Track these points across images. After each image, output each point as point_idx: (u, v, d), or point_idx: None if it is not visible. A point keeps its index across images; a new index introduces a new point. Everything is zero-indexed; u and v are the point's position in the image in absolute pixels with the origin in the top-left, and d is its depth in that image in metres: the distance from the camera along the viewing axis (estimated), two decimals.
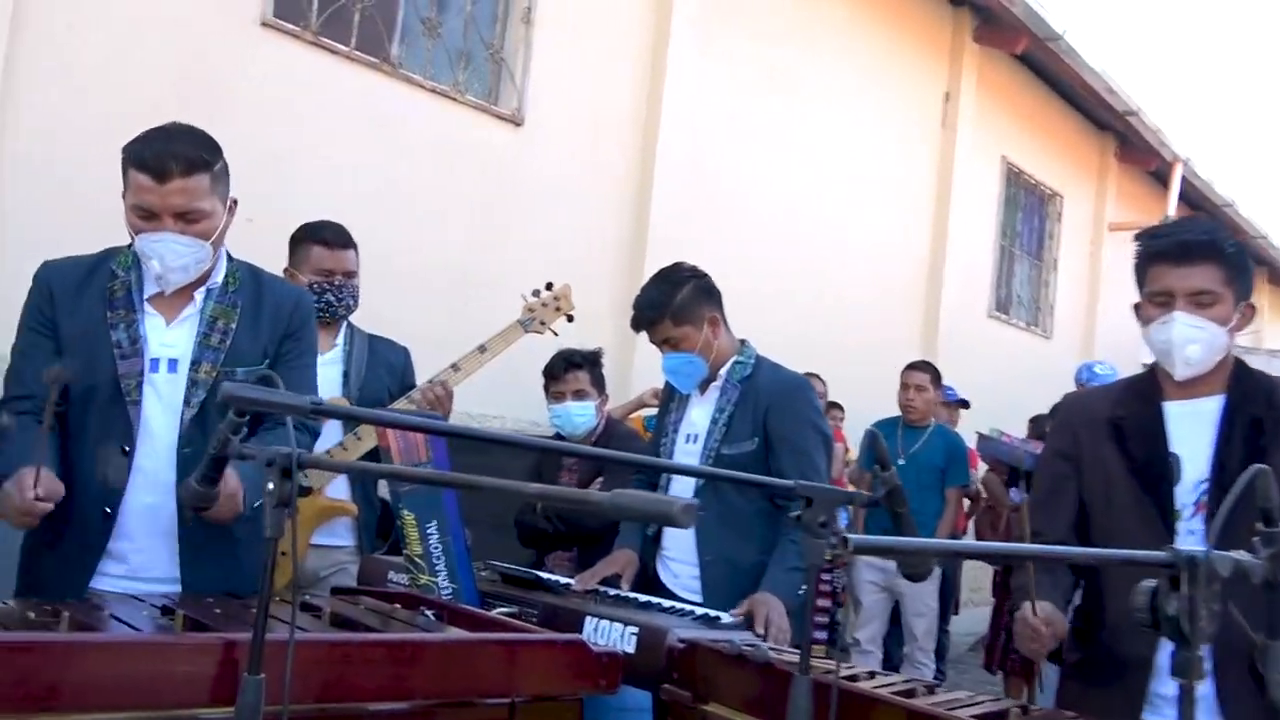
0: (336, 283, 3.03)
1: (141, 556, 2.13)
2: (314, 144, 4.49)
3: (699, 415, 2.82)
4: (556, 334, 3.31)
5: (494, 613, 2.27)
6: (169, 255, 2.10)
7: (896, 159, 8.21)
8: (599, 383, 3.59)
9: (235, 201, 2.23)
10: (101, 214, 3.62)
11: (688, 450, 2.79)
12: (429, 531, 2.40)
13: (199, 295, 2.21)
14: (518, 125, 5.47)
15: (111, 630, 1.64)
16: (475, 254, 5.21)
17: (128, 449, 2.10)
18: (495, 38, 5.48)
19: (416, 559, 2.42)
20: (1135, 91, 9.88)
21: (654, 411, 4.93)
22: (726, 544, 2.66)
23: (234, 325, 2.21)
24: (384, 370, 3.08)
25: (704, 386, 2.84)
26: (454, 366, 3.14)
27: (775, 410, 2.72)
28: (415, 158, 4.99)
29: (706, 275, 2.85)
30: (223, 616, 1.80)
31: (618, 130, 5.95)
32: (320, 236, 3.09)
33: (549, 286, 3.29)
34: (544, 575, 2.65)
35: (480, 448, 3.85)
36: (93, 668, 1.37)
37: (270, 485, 1.35)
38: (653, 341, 2.84)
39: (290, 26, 4.55)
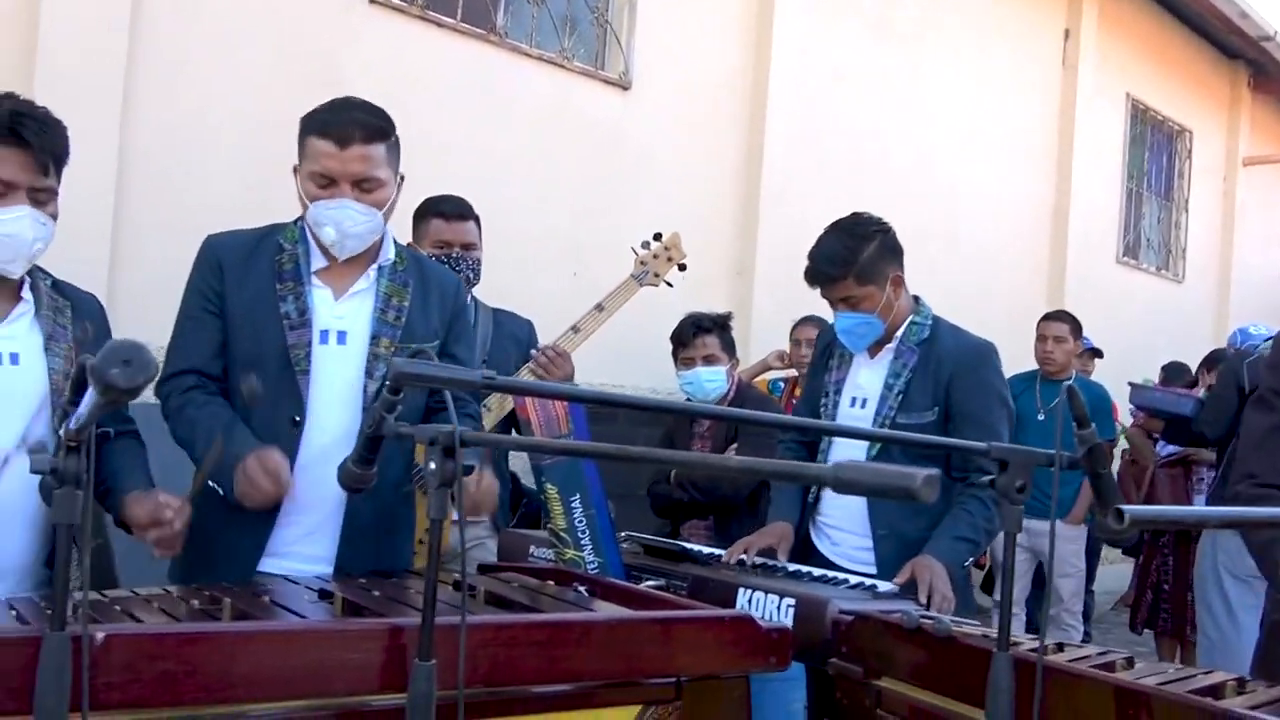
0: (455, 255, 3.01)
1: (307, 533, 2.13)
2: (424, 119, 4.45)
3: (868, 379, 2.66)
4: (671, 284, 3.23)
5: (642, 586, 2.21)
6: (346, 221, 2.10)
7: (1016, 103, 7.86)
8: (729, 347, 3.50)
9: (403, 177, 2.22)
10: (219, 200, 3.72)
11: (855, 416, 2.64)
12: (573, 505, 2.34)
13: (371, 271, 2.20)
14: (625, 89, 5.37)
15: (276, 617, 1.61)
16: (587, 220, 5.15)
17: (298, 419, 2.10)
18: (599, 2, 5.38)
19: (561, 533, 2.36)
20: (1270, 15, 9.26)
21: (779, 374, 4.83)
22: (900, 517, 2.53)
23: (407, 304, 2.21)
24: (510, 343, 3.05)
25: (874, 348, 2.69)
26: (574, 328, 3.10)
27: (959, 379, 2.55)
28: (524, 127, 4.94)
29: (891, 229, 2.66)
30: (381, 599, 1.76)
31: (726, 88, 5.80)
32: (439, 209, 3.07)
33: (658, 237, 3.21)
34: (690, 546, 2.57)
35: (605, 417, 3.80)
36: (263, 658, 1.33)
37: (433, 465, 1.30)
38: (826, 298, 2.67)
39: (397, 2, 4.52)
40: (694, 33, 5.63)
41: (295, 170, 2.19)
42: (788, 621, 2.01)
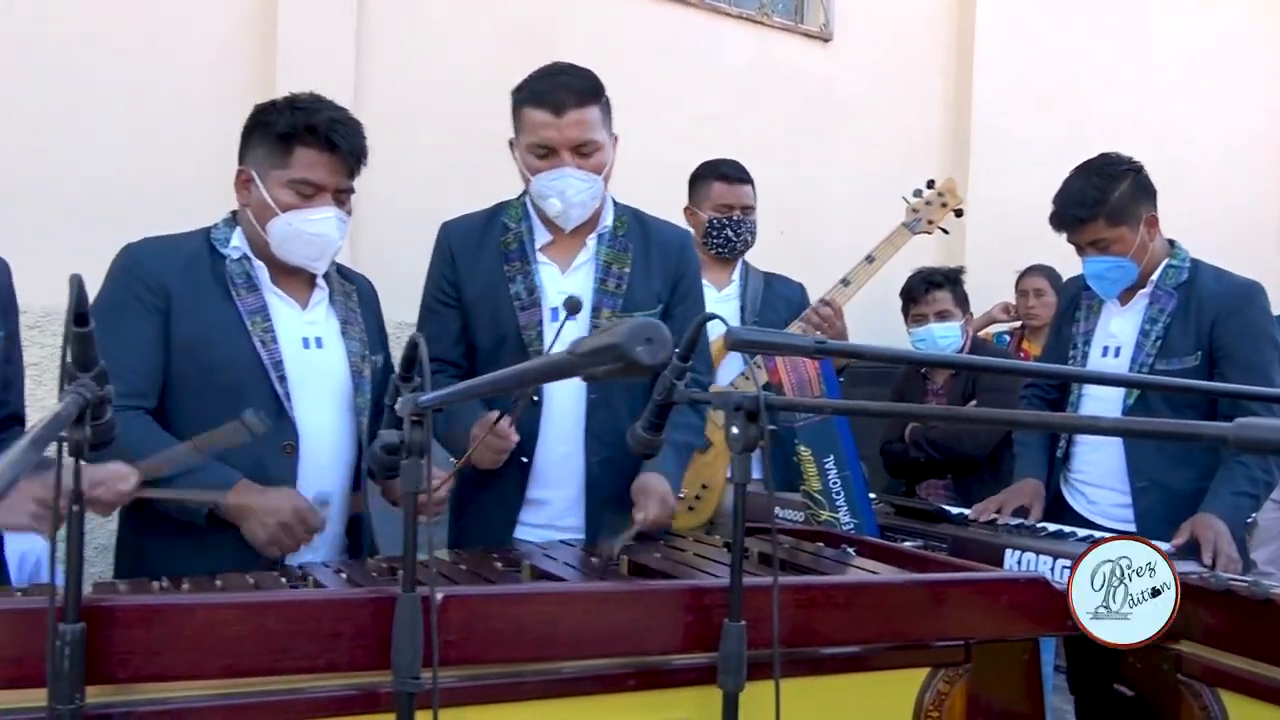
0: (735, 218, 3.03)
1: (556, 504, 2.19)
2: (633, 84, 4.48)
3: (1121, 326, 2.55)
4: (947, 231, 3.15)
5: (902, 546, 2.18)
6: (569, 190, 2.12)
7: (1244, 29, 7.25)
8: (962, 301, 3.40)
9: (617, 138, 2.23)
10: (455, 180, 3.84)
11: (1107, 365, 2.53)
12: (827, 466, 2.33)
13: (590, 241, 2.22)
14: (826, 41, 5.26)
15: (569, 578, 1.68)
16: (794, 175, 5.08)
17: (536, 398, 2.16)
18: None
19: (815, 494, 2.36)
20: None
21: (1004, 327, 4.66)
22: (1161, 468, 2.41)
23: (627, 270, 2.20)
24: (781, 305, 3.05)
25: (1126, 294, 2.57)
26: (844, 281, 3.07)
27: (1223, 321, 2.42)
28: (728, 86, 4.91)
29: (1143, 168, 2.53)
30: (663, 560, 1.80)
31: (930, 31, 5.59)
32: (720, 172, 3.11)
33: (930, 184, 3.14)
34: (945, 507, 2.53)
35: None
36: (580, 618, 1.39)
37: (735, 430, 1.32)
38: (1074, 242, 2.56)
39: None
40: None
41: (511, 144, 2.21)
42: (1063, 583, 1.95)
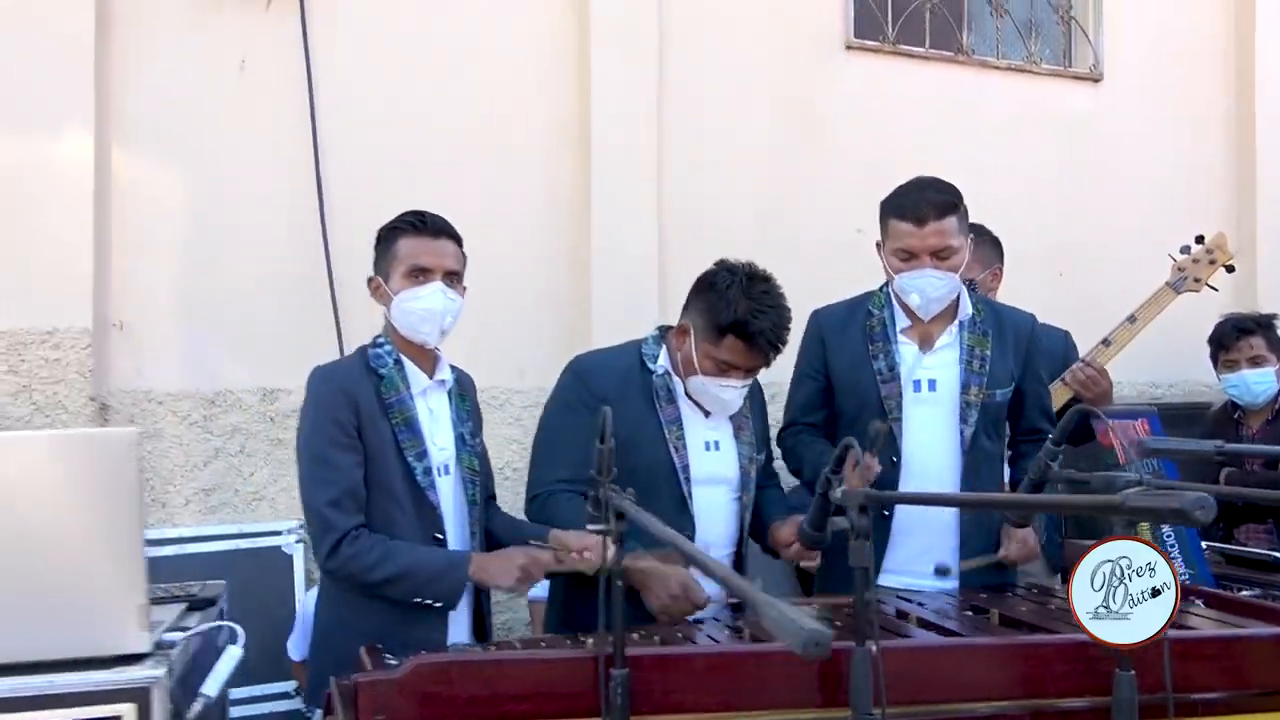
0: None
1: (918, 552, 2.49)
2: (903, 143, 4.75)
3: None
4: (1216, 289, 3.21)
5: (1240, 594, 2.32)
6: (928, 288, 2.46)
7: None
8: (1275, 346, 3.43)
9: (972, 236, 2.54)
10: (740, 237, 4.19)
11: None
12: None
13: (953, 327, 2.52)
14: (1096, 82, 5.31)
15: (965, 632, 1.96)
16: (1067, 220, 5.16)
17: (895, 459, 2.46)
18: (1063, 2, 5.37)
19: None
20: None
21: None
22: None
23: (989, 352, 2.49)
24: (1043, 356, 3.21)
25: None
26: (1104, 341, 3.20)
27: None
28: (996, 137, 5.05)
29: None
30: (1030, 612, 2.05)
31: (1206, 62, 5.52)
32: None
33: (1200, 240, 3.21)
34: (1276, 554, 2.62)
35: None
36: (987, 667, 1.67)
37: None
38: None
39: (871, 43, 4.84)
40: (1165, 7, 5.42)
41: (878, 245, 2.56)
42: None
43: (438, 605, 2.18)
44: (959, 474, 2.43)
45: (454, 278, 2.35)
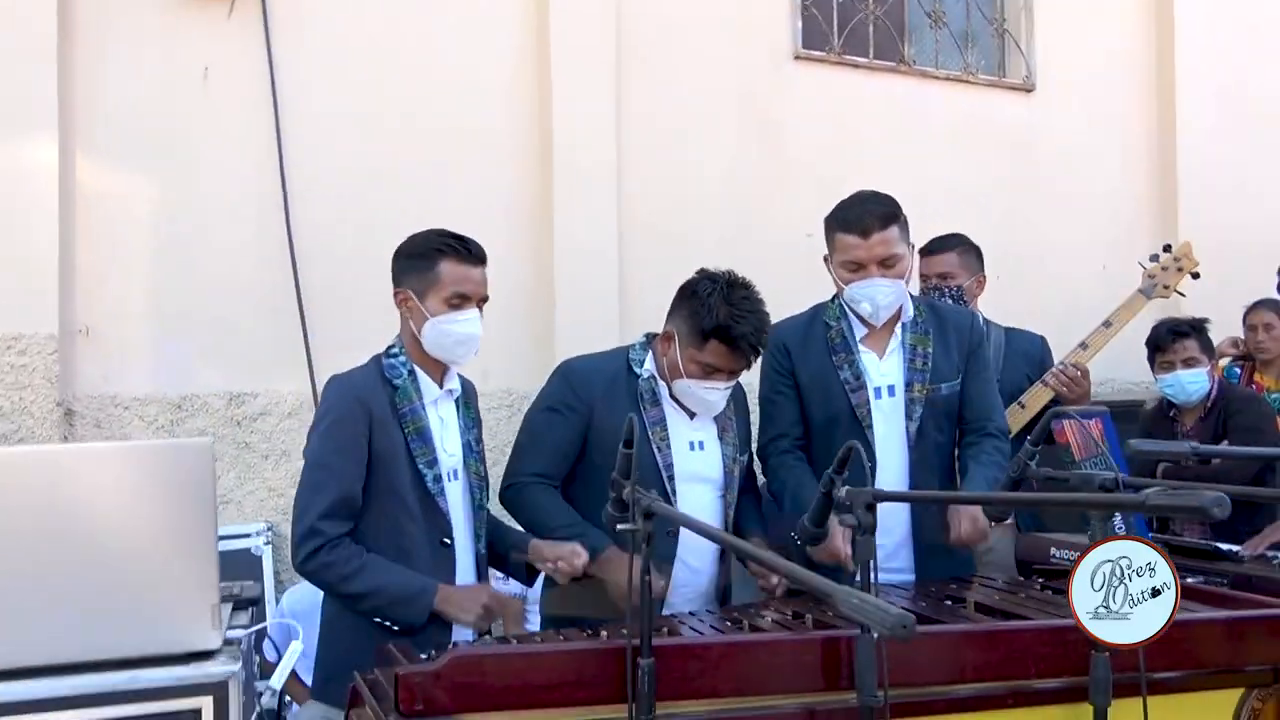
0: (933, 285, 3.42)
1: (887, 554, 2.62)
2: (850, 150, 4.92)
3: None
4: (1184, 294, 3.40)
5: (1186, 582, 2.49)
6: (878, 296, 2.59)
7: None
8: (1208, 348, 3.65)
9: (913, 245, 2.67)
10: (707, 247, 4.28)
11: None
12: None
13: (898, 329, 2.66)
14: (1029, 92, 5.54)
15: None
16: (1004, 225, 5.36)
17: (870, 465, 2.59)
18: (996, 12, 5.59)
19: None
20: None
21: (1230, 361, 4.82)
22: None
23: (930, 349, 2.64)
24: (1020, 360, 3.38)
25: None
26: (1082, 345, 3.38)
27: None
28: (937, 146, 5.25)
29: None
30: (1003, 600, 2.20)
31: (1131, 73, 5.78)
32: (920, 248, 3.48)
33: (1167, 248, 3.41)
34: (1218, 545, 2.81)
35: None
36: (978, 651, 1.81)
37: None
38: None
39: (818, 53, 5.00)
40: (1093, 19, 5.66)
41: (826, 260, 2.71)
42: None
43: (395, 629, 2.24)
44: (906, 468, 2.57)
45: (484, 303, 2.44)
